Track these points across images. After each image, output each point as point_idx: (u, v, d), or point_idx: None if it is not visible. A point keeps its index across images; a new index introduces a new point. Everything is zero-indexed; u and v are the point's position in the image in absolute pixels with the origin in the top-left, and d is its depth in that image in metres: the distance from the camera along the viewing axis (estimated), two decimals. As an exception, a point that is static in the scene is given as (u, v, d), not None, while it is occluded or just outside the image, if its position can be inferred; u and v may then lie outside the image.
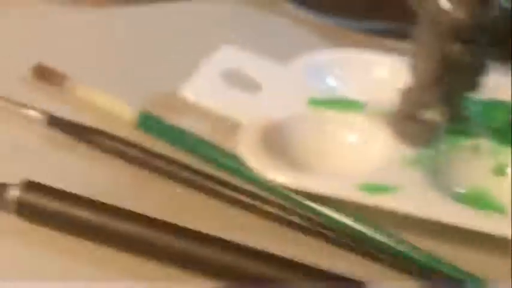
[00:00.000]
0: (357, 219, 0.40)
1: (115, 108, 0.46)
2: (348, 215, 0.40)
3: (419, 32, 0.41)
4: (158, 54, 0.52)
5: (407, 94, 0.43)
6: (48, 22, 0.55)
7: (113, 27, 0.55)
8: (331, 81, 0.48)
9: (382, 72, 0.49)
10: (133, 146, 0.43)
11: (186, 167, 0.42)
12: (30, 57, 0.49)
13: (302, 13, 0.57)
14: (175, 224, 0.38)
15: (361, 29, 0.56)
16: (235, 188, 0.41)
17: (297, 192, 0.41)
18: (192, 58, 0.48)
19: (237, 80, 0.47)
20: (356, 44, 0.52)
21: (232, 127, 0.44)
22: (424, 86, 0.42)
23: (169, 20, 0.56)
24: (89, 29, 0.55)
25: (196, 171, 0.42)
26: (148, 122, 0.45)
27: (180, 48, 0.52)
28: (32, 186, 0.39)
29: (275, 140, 0.43)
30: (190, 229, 0.38)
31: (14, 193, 0.39)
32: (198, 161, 0.43)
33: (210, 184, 0.42)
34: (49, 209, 0.38)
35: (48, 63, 0.49)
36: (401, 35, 0.53)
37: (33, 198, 0.39)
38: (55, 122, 0.45)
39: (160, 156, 0.43)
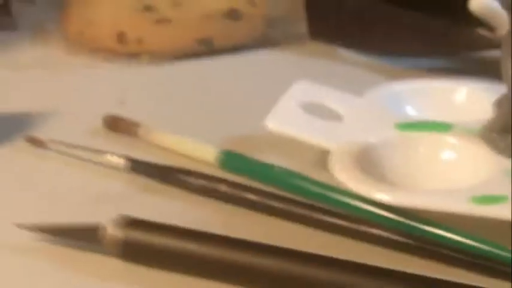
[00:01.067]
0: (462, 234, 0.38)
1: (195, 150, 0.45)
2: (453, 231, 0.38)
3: (509, 35, 0.41)
4: (231, 101, 0.52)
5: (502, 103, 0.42)
6: (110, 77, 0.55)
7: (184, 79, 0.55)
8: (410, 111, 0.47)
9: (460, 98, 0.48)
10: (221, 181, 0.42)
11: (279, 197, 0.41)
12: (96, 110, 0.49)
13: (357, 57, 0.57)
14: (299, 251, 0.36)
15: (421, 67, 0.56)
16: (333, 214, 0.40)
17: (400, 211, 0.39)
18: (264, 101, 0.47)
19: (318, 111, 0.46)
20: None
21: (319, 157, 0.43)
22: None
23: (240, 69, 0.56)
24: (160, 82, 0.55)
25: (288, 200, 0.41)
26: (231, 160, 0.44)
27: (251, 95, 0.52)
28: (131, 223, 0.37)
29: (369, 164, 0.41)
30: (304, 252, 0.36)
31: (113, 233, 0.36)
32: (287, 192, 0.42)
33: (303, 211, 0.40)
34: (158, 246, 0.35)
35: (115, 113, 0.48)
36: (460, 71, 0.54)
37: (138, 235, 0.36)
38: (138, 166, 0.44)
39: (250, 189, 0.41)
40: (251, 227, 0.40)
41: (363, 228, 0.39)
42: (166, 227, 0.36)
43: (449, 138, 0.43)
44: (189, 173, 0.42)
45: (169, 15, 0.58)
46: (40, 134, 0.47)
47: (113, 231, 0.36)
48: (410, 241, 0.38)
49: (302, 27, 0.60)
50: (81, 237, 0.38)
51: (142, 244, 0.36)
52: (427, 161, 0.42)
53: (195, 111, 0.51)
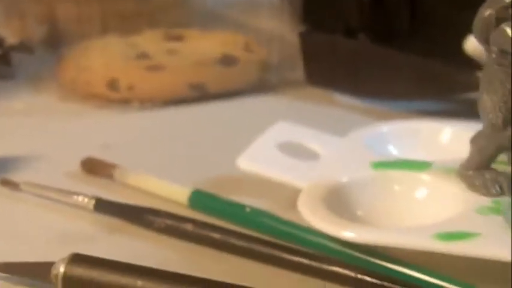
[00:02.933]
0: (429, 273, 0.36)
1: (168, 191, 0.44)
2: (418, 269, 0.37)
3: (485, 71, 0.39)
4: (209, 143, 0.51)
5: (477, 140, 0.40)
6: (97, 123, 0.55)
7: (173, 124, 0.54)
8: (392, 150, 0.46)
9: (445, 138, 0.46)
10: (187, 220, 0.41)
11: (243, 236, 0.40)
12: (79, 154, 0.48)
13: (353, 101, 0.56)
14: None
15: (413, 109, 0.54)
16: (297, 252, 0.38)
17: (365, 250, 0.37)
18: (243, 143, 0.46)
19: (295, 150, 0.44)
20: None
21: (291, 196, 0.41)
22: (496, 127, 0.39)
23: (231, 115, 0.56)
24: (147, 126, 0.55)
25: (252, 239, 0.39)
26: (202, 200, 0.43)
27: (230, 138, 0.51)
28: (78, 259, 0.36)
29: (339, 201, 0.40)
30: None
31: (61, 270, 0.36)
32: (256, 232, 0.41)
33: (267, 249, 0.39)
34: (103, 283, 0.35)
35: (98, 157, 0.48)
36: (451, 113, 0.52)
37: (83, 271, 0.35)
38: (105, 206, 0.43)
39: (215, 228, 0.40)
40: (215, 266, 0.39)
41: (327, 266, 0.37)
42: (113, 264, 0.35)
43: (424, 176, 0.41)
44: (155, 212, 0.41)
45: (162, 62, 0.58)
46: (17, 177, 0.46)
47: (61, 269, 0.35)
48: (376, 280, 0.37)
49: (298, 72, 0.59)
50: (36, 275, 0.37)
51: (86, 280, 0.35)
52: (400, 199, 0.41)
53: (176, 154, 0.50)
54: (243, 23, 0.68)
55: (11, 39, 0.64)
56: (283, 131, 0.46)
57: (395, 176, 0.42)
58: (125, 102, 0.57)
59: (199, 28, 0.64)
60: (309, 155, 0.45)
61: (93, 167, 0.47)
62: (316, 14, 0.60)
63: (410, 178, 0.41)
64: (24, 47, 0.64)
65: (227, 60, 0.59)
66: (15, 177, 0.46)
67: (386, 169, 0.42)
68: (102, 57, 0.59)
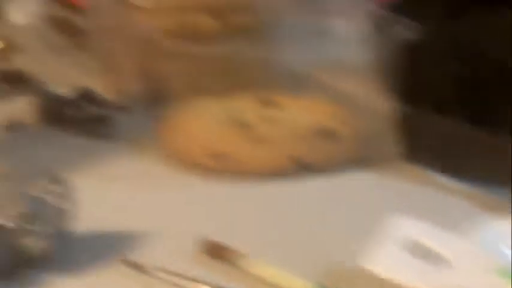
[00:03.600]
0: None
1: (291, 284, 0.45)
2: None
3: None
4: (328, 226, 0.52)
5: None
6: (211, 196, 0.55)
7: (278, 200, 0.55)
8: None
9: None
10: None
11: None
12: (196, 232, 0.49)
13: (453, 183, 0.57)
14: None
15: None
16: None
17: None
18: (361, 228, 0.47)
19: (415, 250, 0.45)
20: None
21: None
22: None
23: (334, 192, 0.56)
24: (251, 202, 0.55)
25: None
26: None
27: (348, 219, 0.52)
28: None
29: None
30: None
31: None
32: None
33: None
34: None
35: (214, 237, 0.49)
36: None
37: None
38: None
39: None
40: None
41: None
42: None
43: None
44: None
45: (263, 133, 0.59)
46: (137, 256, 0.47)
47: None
48: None
49: (396, 148, 0.60)
50: None
51: None
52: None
53: (289, 237, 0.51)
54: (331, 87, 0.69)
55: (109, 97, 0.65)
56: (402, 226, 0.47)
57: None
58: (227, 172, 0.58)
59: (291, 91, 0.65)
60: (432, 257, 0.45)
61: (215, 252, 0.48)
62: (414, 91, 0.61)
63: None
64: (123, 106, 0.65)
65: (326, 134, 0.60)
66: (132, 254, 0.47)
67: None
68: (203, 124, 0.60)
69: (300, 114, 0.62)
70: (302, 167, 0.58)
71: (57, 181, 0.48)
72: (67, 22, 0.74)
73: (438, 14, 0.62)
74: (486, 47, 0.58)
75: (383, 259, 0.44)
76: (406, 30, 0.61)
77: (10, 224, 0.43)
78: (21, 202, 0.44)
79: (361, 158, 0.60)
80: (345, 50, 0.69)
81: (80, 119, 0.63)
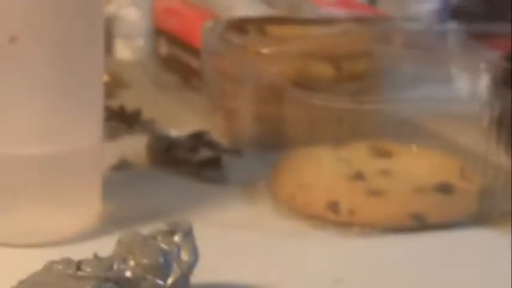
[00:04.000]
0: None
1: None
2: None
3: None
4: (432, 282, 0.51)
5: None
6: (333, 252, 0.54)
7: (397, 257, 0.54)
8: None
9: None
10: None
11: None
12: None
13: None
14: None
15: None
16: None
17: None
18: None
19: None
20: None
21: None
22: None
23: (449, 251, 0.55)
24: (374, 259, 0.54)
25: None
26: None
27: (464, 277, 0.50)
28: None
29: None
30: None
31: None
32: None
33: None
34: None
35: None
36: None
37: None
38: None
39: None
40: None
41: None
42: None
43: None
44: None
45: (380, 186, 0.58)
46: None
47: None
48: None
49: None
50: None
51: None
52: None
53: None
54: (447, 139, 0.68)
55: (222, 140, 0.65)
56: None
57: None
58: (344, 226, 0.56)
59: (401, 141, 0.63)
60: None
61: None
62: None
63: None
64: (235, 151, 0.64)
65: (445, 189, 0.58)
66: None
67: None
68: (319, 175, 0.59)
69: (416, 167, 0.60)
70: (418, 223, 0.57)
71: (181, 231, 0.46)
72: (178, 60, 0.74)
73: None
74: None
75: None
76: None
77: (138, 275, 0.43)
78: (153, 253, 0.43)
79: (482, 214, 0.58)
80: (463, 101, 0.67)
81: (191, 161, 0.63)
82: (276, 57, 0.65)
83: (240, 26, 0.68)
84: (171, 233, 0.46)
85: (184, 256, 0.45)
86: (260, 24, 0.70)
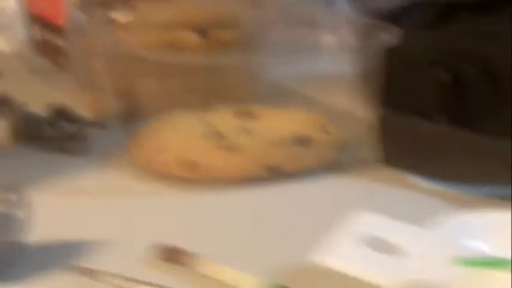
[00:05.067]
0: None
1: (242, 282, 0.43)
2: None
3: None
4: (292, 227, 0.51)
5: None
6: (171, 205, 0.54)
7: (245, 205, 0.54)
8: (481, 246, 0.44)
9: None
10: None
11: None
12: (152, 239, 0.48)
13: (430, 184, 0.55)
14: None
15: (496, 196, 0.53)
16: None
17: None
18: (326, 227, 0.45)
19: (375, 244, 0.43)
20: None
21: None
22: None
23: (303, 196, 0.55)
24: (222, 209, 0.54)
25: None
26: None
27: (314, 219, 0.50)
28: None
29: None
30: None
31: None
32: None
33: None
34: None
35: (174, 242, 0.47)
36: None
37: None
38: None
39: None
40: None
41: None
42: None
43: (506, 277, 0.40)
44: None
45: (238, 142, 0.57)
46: (92, 263, 0.46)
47: None
48: None
49: (372, 152, 0.58)
50: None
51: None
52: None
53: (251, 240, 0.49)
54: (314, 99, 0.68)
55: (84, 113, 0.64)
56: (363, 221, 0.45)
57: (487, 277, 0.40)
58: (200, 183, 0.56)
59: (270, 105, 0.63)
60: (390, 249, 0.43)
61: (168, 255, 0.46)
62: (395, 96, 0.59)
63: (504, 279, 0.40)
64: (98, 123, 0.64)
65: (302, 141, 0.58)
66: (88, 262, 0.46)
67: (476, 267, 0.41)
68: (177, 137, 0.59)
69: (276, 124, 0.60)
70: (274, 174, 0.57)
71: (11, 191, 0.46)
72: (48, 43, 0.74)
73: (420, 21, 0.61)
74: (468, 53, 0.56)
75: (339, 253, 0.42)
76: (388, 37, 0.60)
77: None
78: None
79: (337, 164, 0.58)
80: (328, 61, 0.67)
81: (53, 136, 0.62)
82: (138, 27, 0.65)
83: (105, 1, 0.68)
84: (2, 193, 0.46)
85: (13, 214, 0.45)
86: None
